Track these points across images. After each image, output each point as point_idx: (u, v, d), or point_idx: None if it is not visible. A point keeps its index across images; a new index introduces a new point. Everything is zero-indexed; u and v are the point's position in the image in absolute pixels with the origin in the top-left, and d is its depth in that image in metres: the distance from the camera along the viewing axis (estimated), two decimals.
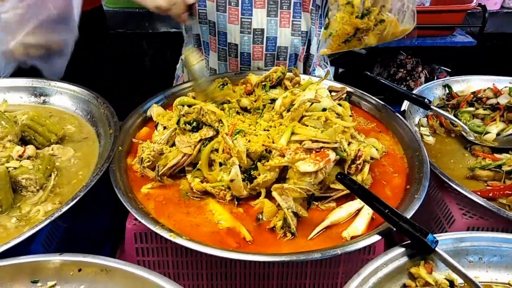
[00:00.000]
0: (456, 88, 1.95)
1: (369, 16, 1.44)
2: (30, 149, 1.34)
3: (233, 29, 1.75)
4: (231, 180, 1.22)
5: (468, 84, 1.95)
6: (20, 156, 1.32)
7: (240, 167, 1.25)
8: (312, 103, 1.41)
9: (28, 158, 1.33)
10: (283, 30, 1.71)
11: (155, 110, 1.59)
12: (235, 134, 1.32)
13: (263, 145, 1.28)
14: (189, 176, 1.34)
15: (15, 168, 1.29)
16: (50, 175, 1.36)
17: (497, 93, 1.76)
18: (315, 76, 1.91)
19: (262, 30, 1.71)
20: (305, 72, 1.94)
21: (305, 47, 1.85)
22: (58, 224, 1.28)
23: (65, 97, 1.73)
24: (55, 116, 1.68)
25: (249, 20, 1.72)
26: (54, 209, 1.25)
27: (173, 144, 1.39)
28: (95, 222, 1.50)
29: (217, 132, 1.37)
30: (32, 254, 1.05)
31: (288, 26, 1.71)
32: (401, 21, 1.53)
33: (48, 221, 1.11)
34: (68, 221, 1.31)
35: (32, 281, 1.03)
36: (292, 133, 1.32)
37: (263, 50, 1.77)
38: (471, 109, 1.77)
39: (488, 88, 1.80)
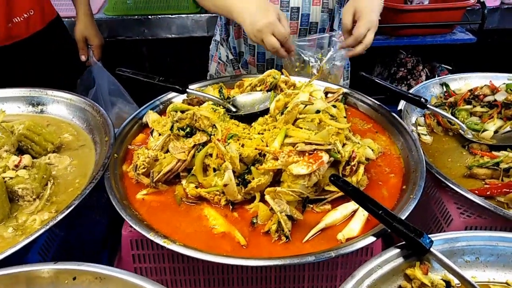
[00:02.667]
0: (453, 86, 1.94)
1: None
2: (26, 159, 1.35)
3: None
4: (225, 185, 1.22)
5: (465, 82, 1.94)
6: (16, 166, 1.33)
7: (234, 171, 1.24)
8: (306, 105, 1.41)
9: (24, 167, 1.34)
10: (315, 8, 1.96)
11: (150, 117, 1.60)
12: (228, 139, 1.32)
13: (256, 148, 1.28)
14: (184, 181, 1.34)
15: (11, 178, 1.30)
16: (47, 184, 1.37)
17: (494, 90, 1.74)
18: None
19: (298, 8, 1.94)
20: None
21: (330, 23, 2.06)
22: (54, 232, 1.29)
23: (61, 106, 1.74)
24: (53, 125, 1.70)
25: (288, 0, 1.94)
26: (50, 217, 1.26)
27: (168, 150, 1.40)
28: (92, 229, 1.51)
29: (211, 136, 1.37)
30: (29, 264, 1.06)
31: (319, 4, 1.95)
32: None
33: (43, 230, 1.11)
34: (64, 229, 1.32)
35: None
36: (286, 136, 1.31)
37: (298, 25, 1.98)
38: (469, 107, 1.75)
39: (485, 85, 1.78)
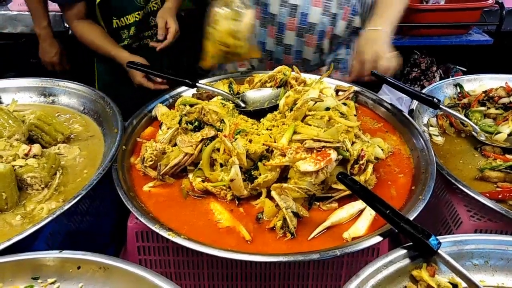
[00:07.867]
0: (468, 87, 1.90)
1: None
2: (36, 148, 1.37)
3: (274, 2, 1.97)
4: (231, 180, 1.21)
5: (480, 83, 1.90)
6: (26, 155, 1.34)
7: (240, 167, 1.24)
8: (316, 102, 1.39)
9: (34, 156, 1.35)
10: (315, 9, 1.95)
11: (160, 110, 1.60)
12: (236, 134, 1.31)
13: (263, 144, 1.27)
14: (190, 175, 1.34)
15: (21, 166, 1.31)
16: (55, 174, 1.38)
17: (509, 92, 1.70)
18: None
19: (297, 5, 1.94)
20: (330, 50, 2.10)
21: (333, 27, 2.00)
22: (61, 222, 1.30)
23: (73, 97, 1.76)
24: (63, 115, 1.71)
25: None
26: (57, 207, 1.27)
27: (176, 144, 1.40)
28: (100, 222, 1.52)
29: (219, 132, 1.36)
30: (35, 251, 1.07)
31: (320, 5, 1.93)
32: None
33: (49, 218, 1.12)
34: (72, 219, 1.33)
35: (33, 277, 1.04)
36: (294, 132, 1.30)
37: (295, 23, 1.97)
38: (483, 108, 1.72)
39: (500, 87, 1.74)
